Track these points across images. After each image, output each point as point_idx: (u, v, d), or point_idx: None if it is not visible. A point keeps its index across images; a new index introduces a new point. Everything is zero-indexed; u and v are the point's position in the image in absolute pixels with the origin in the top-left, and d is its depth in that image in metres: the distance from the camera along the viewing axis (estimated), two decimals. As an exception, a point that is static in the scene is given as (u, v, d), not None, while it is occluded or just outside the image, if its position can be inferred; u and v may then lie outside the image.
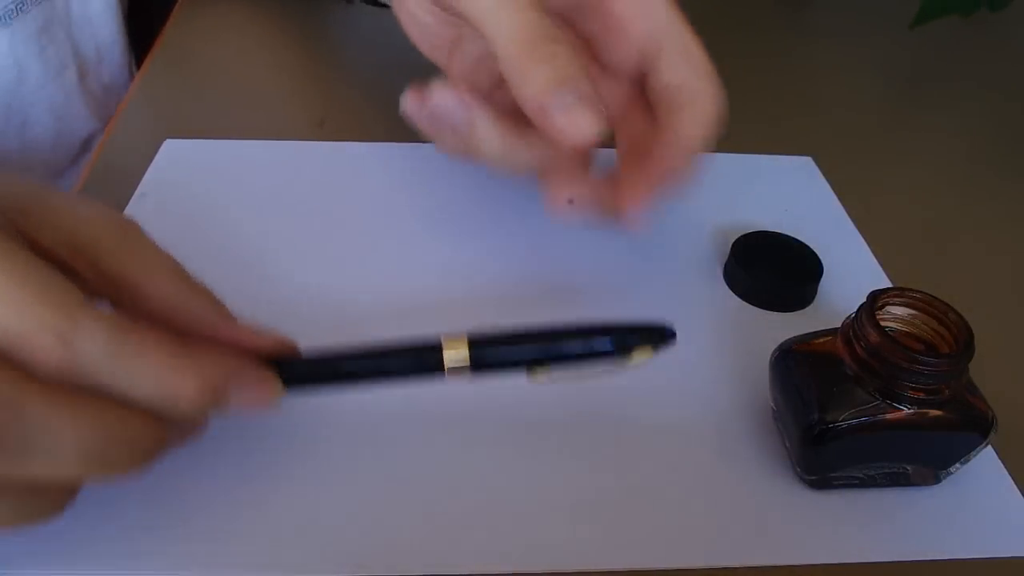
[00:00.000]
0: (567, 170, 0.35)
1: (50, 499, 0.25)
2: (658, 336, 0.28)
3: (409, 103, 0.34)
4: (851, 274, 0.40)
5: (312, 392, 0.28)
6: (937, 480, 0.31)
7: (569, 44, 0.31)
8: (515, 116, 0.32)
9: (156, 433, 0.24)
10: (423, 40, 0.39)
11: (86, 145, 0.56)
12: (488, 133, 0.33)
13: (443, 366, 0.27)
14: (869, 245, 0.43)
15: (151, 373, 0.23)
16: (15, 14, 0.48)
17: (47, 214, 0.26)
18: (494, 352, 0.28)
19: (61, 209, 0.26)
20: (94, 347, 0.22)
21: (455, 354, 0.27)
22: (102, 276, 0.26)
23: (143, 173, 0.43)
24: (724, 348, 0.36)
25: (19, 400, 0.22)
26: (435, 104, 0.33)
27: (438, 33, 0.38)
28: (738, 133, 0.50)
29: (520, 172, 0.35)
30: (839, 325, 0.31)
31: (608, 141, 0.34)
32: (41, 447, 0.22)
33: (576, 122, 0.30)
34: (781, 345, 0.32)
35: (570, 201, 0.34)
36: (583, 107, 0.30)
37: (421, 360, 0.27)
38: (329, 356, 0.28)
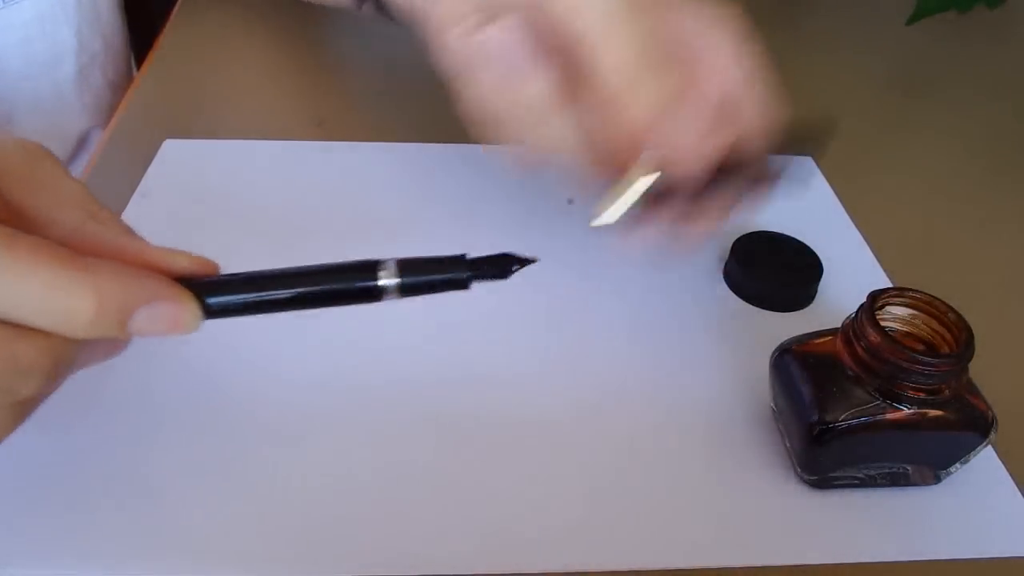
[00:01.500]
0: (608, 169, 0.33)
1: None
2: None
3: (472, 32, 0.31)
4: (851, 274, 0.40)
5: (234, 315, 0.26)
6: (937, 480, 0.31)
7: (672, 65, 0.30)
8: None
9: (57, 354, 0.23)
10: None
11: (83, 142, 0.55)
12: (540, 86, 0.31)
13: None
14: (869, 245, 0.43)
15: (39, 289, 0.21)
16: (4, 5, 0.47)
17: None
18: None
19: None
20: None
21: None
22: (5, 206, 0.24)
23: (143, 173, 0.43)
24: (724, 348, 0.36)
25: None
26: (492, 39, 0.31)
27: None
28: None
29: (555, 152, 0.33)
30: (839, 325, 0.31)
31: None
32: None
33: (688, 146, 0.30)
34: (781, 345, 0.32)
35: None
36: (694, 131, 0.30)
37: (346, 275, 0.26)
38: (253, 276, 0.26)
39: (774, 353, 0.32)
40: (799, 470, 0.31)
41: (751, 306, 0.39)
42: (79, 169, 0.55)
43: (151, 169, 0.43)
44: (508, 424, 0.32)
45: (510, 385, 0.34)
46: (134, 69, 0.62)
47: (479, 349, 0.35)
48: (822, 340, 0.31)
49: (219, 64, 0.54)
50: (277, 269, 0.26)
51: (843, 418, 0.29)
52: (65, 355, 0.23)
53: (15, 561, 0.27)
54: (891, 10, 0.65)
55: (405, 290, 0.26)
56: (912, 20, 0.60)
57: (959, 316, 0.29)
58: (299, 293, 0.26)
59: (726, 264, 0.40)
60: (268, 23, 0.59)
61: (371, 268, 0.25)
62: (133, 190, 0.42)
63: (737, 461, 0.32)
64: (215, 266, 0.26)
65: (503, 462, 0.31)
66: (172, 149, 0.45)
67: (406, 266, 0.26)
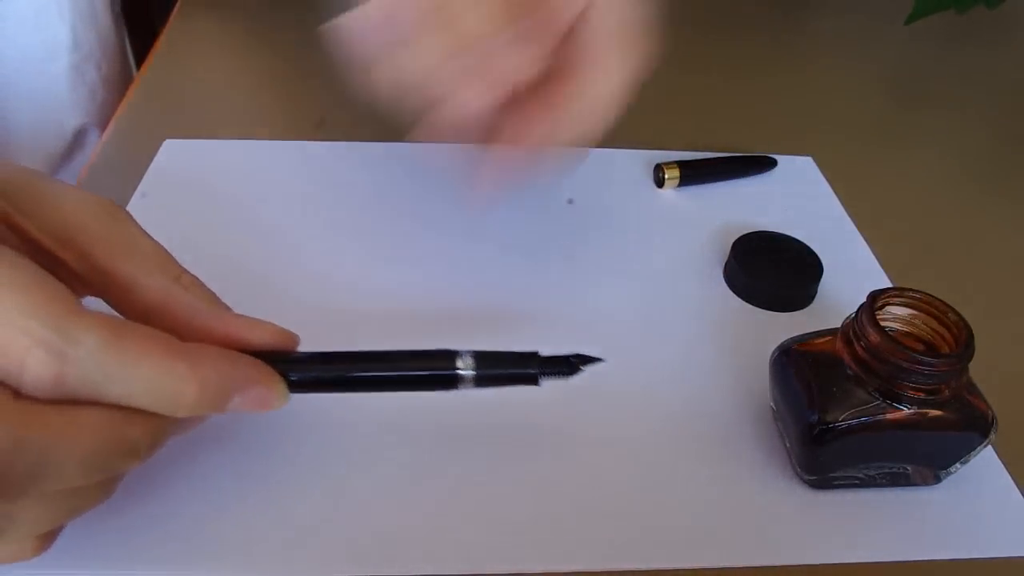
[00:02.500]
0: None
1: (84, 496, 0.24)
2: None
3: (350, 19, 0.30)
4: (851, 274, 0.40)
5: (317, 391, 0.27)
6: (937, 480, 0.31)
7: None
8: None
9: (157, 435, 0.24)
10: None
11: (79, 138, 0.55)
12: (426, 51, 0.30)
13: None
14: (869, 245, 0.43)
15: (148, 378, 0.22)
16: None
17: (34, 201, 0.24)
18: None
19: (48, 196, 0.25)
20: (88, 357, 0.21)
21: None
22: (92, 268, 0.25)
23: (143, 173, 0.43)
24: (724, 348, 0.36)
25: (17, 432, 0.21)
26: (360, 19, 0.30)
27: None
28: (738, 133, 0.51)
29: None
30: (839, 325, 0.31)
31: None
32: (45, 472, 0.21)
33: (464, 93, 0.28)
34: (781, 345, 0.32)
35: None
36: (473, 78, 0.28)
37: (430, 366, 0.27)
38: (336, 358, 0.27)
39: (774, 353, 0.32)
40: (799, 470, 0.31)
41: (751, 306, 0.39)
42: (76, 168, 0.55)
43: (151, 169, 0.43)
44: (508, 424, 0.32)
45: (511, 387, 0.34)
46: (132, 68, 0.62)
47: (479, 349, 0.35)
48: (822, 340, 0.31)
49: (219, 64, 0.54)
50: (357, 351, 0.27)
51: (843, 418, 0.29)
52: (164, 435, 0.24)
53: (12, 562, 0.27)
54: (890, 10, 0.65)
55: (480, 381, 0.27)
56: (911, 20, 0.60)
57: (959, 316, 0.29)
58: (378, 376, 0.27)
59: (726, 264, 0.40)
60: (268, 23, 0.58)
61: (450, 357, 0.27)
62: (133, 190, 0.42)
63: (737, 461, 0.32)
64: (295, 338, 0.27)
65: (503, 462, 0.31)
66: (172, 149, 0.45)
67: (482, 359, 0.27)
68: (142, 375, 0.22)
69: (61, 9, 0.52)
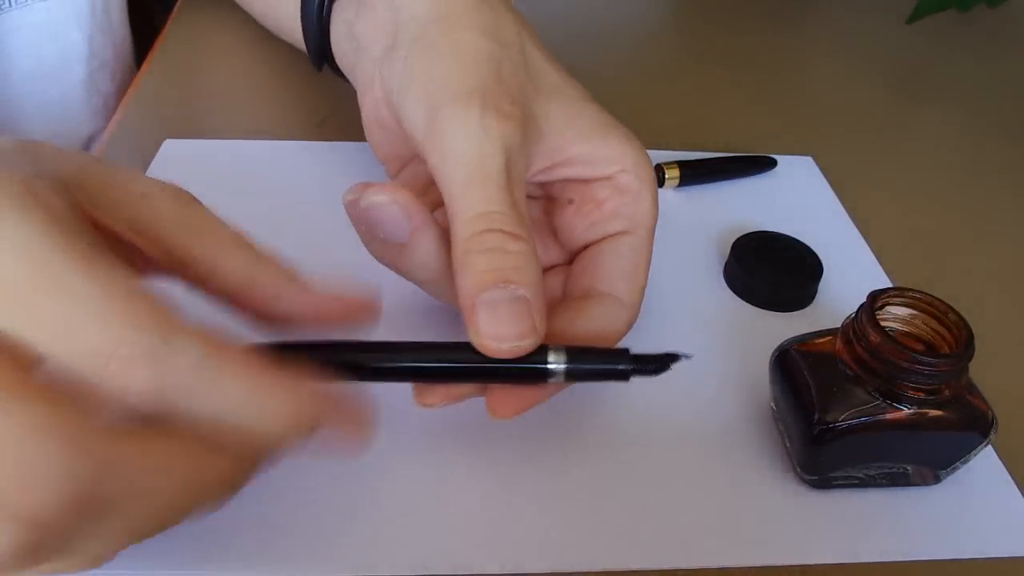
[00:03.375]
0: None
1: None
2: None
3: (348, 197, 0.29)
4: (851, 274, 0.40)
5: (401, 380, 0.28)
6: (937, 480, 0.31)
7: (531, 241, 0.27)
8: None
9: (244, 470, 0.23)
10: (381, 146, 0.36)
11: (88, 145, 0.56)
12: (426, 259, 0.29)
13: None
14: (869, 245, 0.43)
15: (244, 396, 0.21)
16: (9, 6, 0.47)
17: (107, 192, 0.23)
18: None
19: (119, 185, 0.24)
20: (187, 369, 0.20)
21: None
22: (168, 255, 0.24)
23: (143, 173, 0.43)
24: (724, 348, 0.36)
25: (104, 457, 0.20)
26: (372, 204, 0.28)
27: (396, 145, 0.35)
28: (738, 133, 0.51)
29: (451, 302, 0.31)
30: (839, 325, 0.31)
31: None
32: (134, 501, 0.21)
33: (500, 331, 0.26)
34: (781, 345, 0.32)
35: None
36: (514, 315, 0.26)
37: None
38: (430, 348, 0.27)
39: (774, 353, 0.32)
40: (799, 470, 0.31)
41: (751, 306, 0.39)
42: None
43: (151, 169, 0.43)
44: (508, 423, 0.32)
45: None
46: (135, 70, 0.62)
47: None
48: (822, 340, 0.31)
49: (219, 64, 0.54)
50: (447, 342, 0.27)
51: (843, 418, 0.29)
52: (251, 467, 0.23)
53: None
54: (891, 9, 0.65)
55: (571, 375, 0.27)
56: (912, 19, 0.60)
57: (959, 316, 0.29)
58: (471, 368, 0.27)
59: (726, 264, 0.40)
60: (268, 23, 0.58)
61: (541, 351, 0.27)
62: (133, 190, 0.42)
63: (737, 461, 0.32)
64: (375, 306, 0.27)
65: (502, 461, 0.31)
66: (172, 149, 0.45)
67: (574, 353, 0.27)
68: (239, 392, 0.21)
69: (80, 19, 0.52)
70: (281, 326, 0.26)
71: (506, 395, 0.29)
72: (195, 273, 0.25)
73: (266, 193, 0.42)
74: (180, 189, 0.26)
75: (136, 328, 0.20)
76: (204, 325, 0.21)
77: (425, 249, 0.29)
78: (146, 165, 0.43)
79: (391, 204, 0.28)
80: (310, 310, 0.25)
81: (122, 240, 0.24)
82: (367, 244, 0.31)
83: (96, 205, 0.23)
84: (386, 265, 0.31)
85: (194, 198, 0.26)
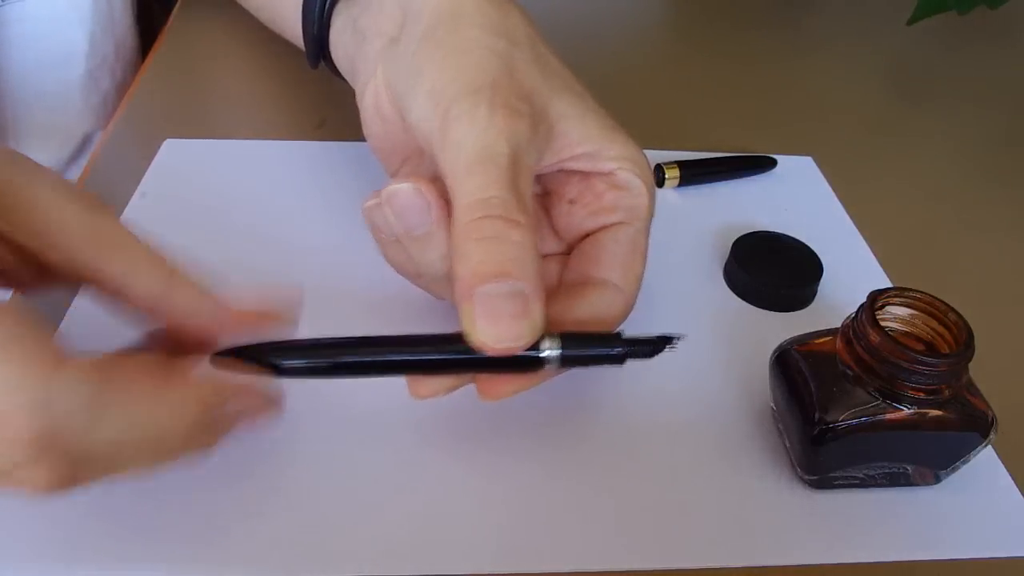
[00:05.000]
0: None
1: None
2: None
3: (368, 203, 0.29)
4: (851, 274, 0.40)
5: (402, 375, 0.28)
6: (937, 480, 0.31)
7: (532, 230, 0.27)
8: None
9: (168, 459, 0.24)
10: (380, 140, 0.35)
11: (85, 142, 0.55)
12: (445, 251, 0.28)
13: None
14: (869, 245, 0.43)
15: (138, 422, 0.22)
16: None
17: (12, 204, 0.24)
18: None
19: (26, 196, 0.24)
20: (76, 409, 0.21)
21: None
22: (78, 273, 0.24)
23: (143, 173, 0.43)
24: (724, 348, 0.36)
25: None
26: (395, 192, 0.28)
27: (397, 140, 0.34)
28: (738, 133, 0.51)
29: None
30: (839, 325, 0.31)
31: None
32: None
33: (498, 331, 0.25)
34: (781, 345, 0.32)
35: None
36: (513, 314, 0.25)
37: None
38: (431, 339, 0.27)
39: (774, 353, 0.32)
40: (799, 470, 0.31)
41: (751, 306, 0.39)
42: (80, 169, 0.55)
43: (151, 169, 0.43)
44: (508, 423, 0.32)
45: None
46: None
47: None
48: (822, 340, 0.31)
49: (219, 64, 0.54)
50: (444, 334, 0.27)
51: (843, 418, 0.29)
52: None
53: (14, 561, 0.27)
54: (891, 10, 0.65)
55: (565, 361, 0.27)
56: (913, 20, 0.60)
57: (959, 316, 0.29)
58: (465, 359, 0.27)
59: (726, 264, 0.40)
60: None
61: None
62: (133, 190, 0.42)
63: (737, 461, 0.32)
64: (292, 313, 0.27)
65: (503, 461, 0.31)
66: (172, 149, 0.45)
67: (568, 339, 0.27)
68: (130, 419, 0.22)
69: (81, 15, 0.52)
70: (194, 343, 0.26)
71: (497, 378, 0.29)
72: (107, 289, 0.25)
73: (266, 193, 0.42)
74: (92, 198, 0.25)
75: (16, 375, 0.20)
76: (88, 352, 0.21)
77: (444, 240, 0.28)
78: (146, 165, 0.43)
79: (414, 192, 0.28)
80: (224, 328, 0.26)
81: (33, 256, 0.24)
82: (384, 249, 0.31)
83: (3, 220, 0.23)
84: (400, 270, 0.32)
85: (106, 209, 0.26)
